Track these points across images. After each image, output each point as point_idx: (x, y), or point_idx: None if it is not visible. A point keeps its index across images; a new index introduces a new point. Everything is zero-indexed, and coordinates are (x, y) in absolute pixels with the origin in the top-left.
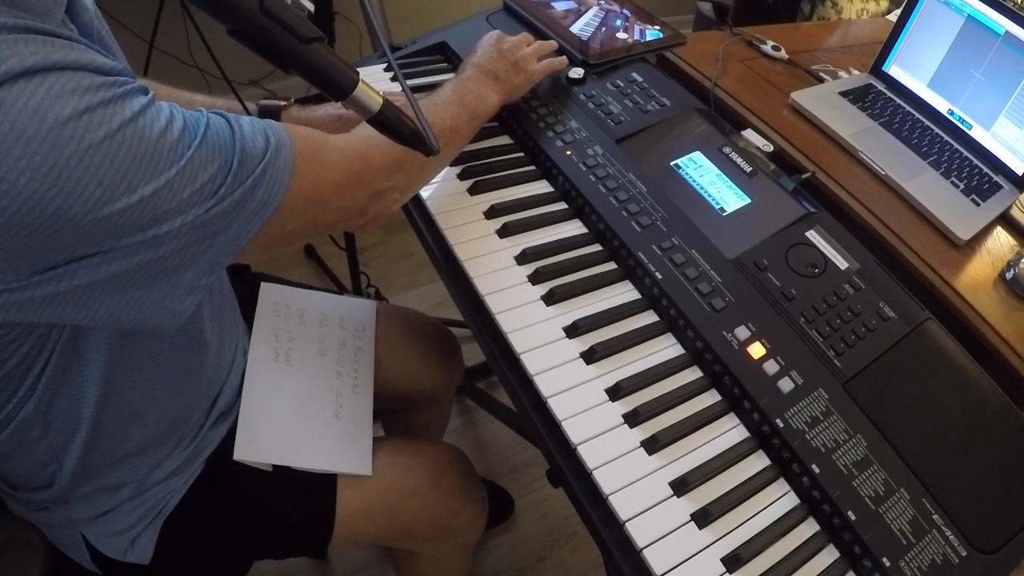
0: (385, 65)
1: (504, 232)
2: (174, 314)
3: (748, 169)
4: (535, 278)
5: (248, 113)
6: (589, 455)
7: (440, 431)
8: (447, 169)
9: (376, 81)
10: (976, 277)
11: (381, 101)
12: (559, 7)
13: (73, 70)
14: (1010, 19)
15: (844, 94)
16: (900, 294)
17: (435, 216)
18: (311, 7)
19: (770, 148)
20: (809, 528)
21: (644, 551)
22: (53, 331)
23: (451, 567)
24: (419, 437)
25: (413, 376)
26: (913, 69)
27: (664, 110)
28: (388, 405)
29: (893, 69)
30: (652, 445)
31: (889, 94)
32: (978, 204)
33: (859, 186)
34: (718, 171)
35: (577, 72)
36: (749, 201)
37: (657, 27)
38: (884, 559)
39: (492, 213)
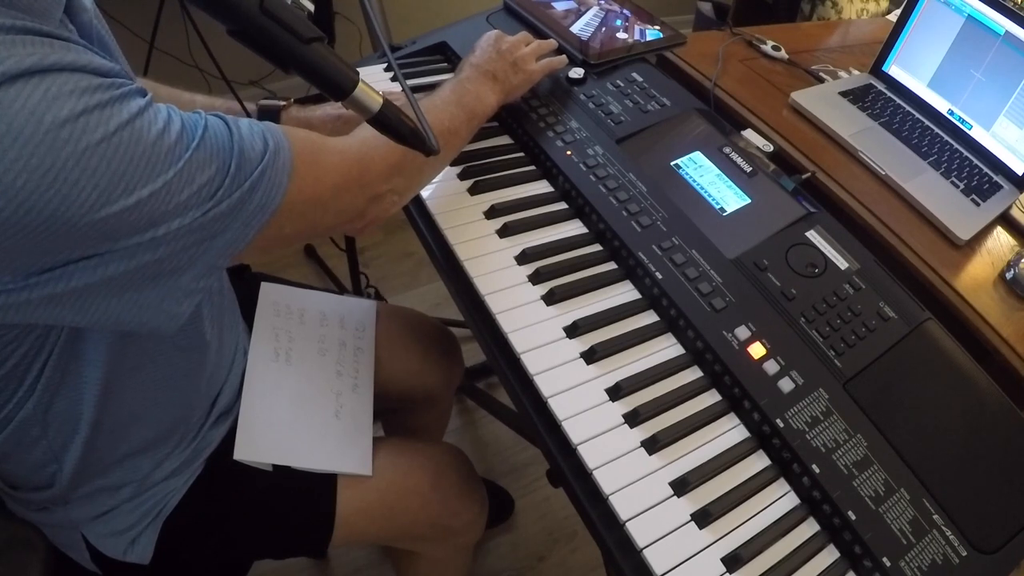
0: (385, 65)
1: (504, 232)
2: (172, 316)
3: (748, 169)
4: (535, 278)
5: (248, 113)
6: (589, 455)
7: (440, 431)
8: (447, 169)
9: (376, 81)
10: (976, 277)
11: (381, 101)
12: (559, 7)
13: (71, 71)
14: (1010, 19)
15: (844, 94)
16: (900, 294)
17: (435, 216)
18: (311, 7)
19: (770, 148)
20: (809, 528)
21: (644, 551)
22: (51, 332)
23: (451, 567)
24: (419, 437)
25: (413, 376)
26: (913, 69)
27: (664, 110)
28: (388, 405)
29: (893, 69)
30: (652, 445)
31: (889, 94)
32: (978, 204)
33: (859, 186)
34: (718, 171)
35: (577, 72)
36: (749, 201)
37: (657, 27)
38: (884, 559)
39: (492, 213)
